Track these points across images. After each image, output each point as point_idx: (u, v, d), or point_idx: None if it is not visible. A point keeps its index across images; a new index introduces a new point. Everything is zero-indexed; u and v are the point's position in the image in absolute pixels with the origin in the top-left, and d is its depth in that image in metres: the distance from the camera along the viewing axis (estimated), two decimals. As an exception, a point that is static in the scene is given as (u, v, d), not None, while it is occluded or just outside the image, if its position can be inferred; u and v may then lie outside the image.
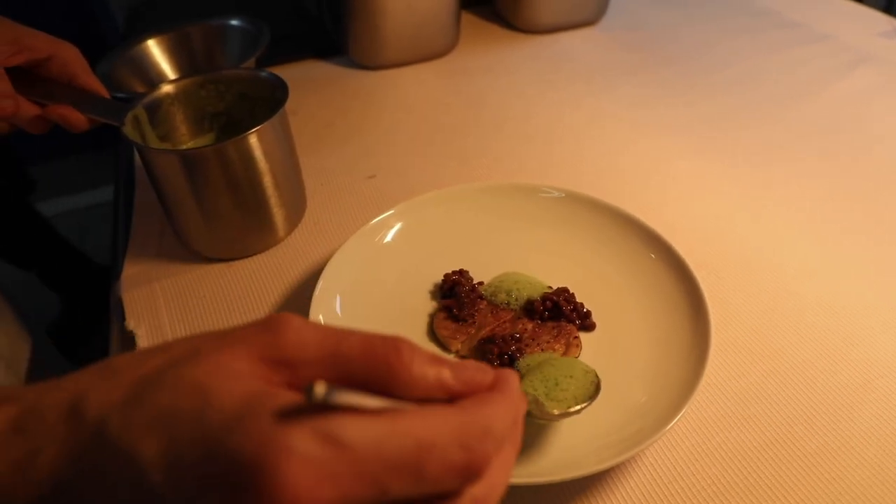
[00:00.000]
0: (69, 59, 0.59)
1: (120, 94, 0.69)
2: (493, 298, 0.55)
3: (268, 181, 0.60)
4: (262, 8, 0.99)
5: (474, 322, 0.53)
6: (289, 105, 0.60)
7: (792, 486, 0.45)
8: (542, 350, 0.50)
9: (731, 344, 0.54)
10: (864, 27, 1.05)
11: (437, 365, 0.24)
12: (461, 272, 0.56)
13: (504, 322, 0.53)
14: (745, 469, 0.46)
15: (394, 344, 0.23)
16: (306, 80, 0.95)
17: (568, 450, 0.44)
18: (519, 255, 0.59)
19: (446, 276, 0.56)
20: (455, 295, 0.55)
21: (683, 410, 0.43)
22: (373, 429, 0.20)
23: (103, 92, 0.61)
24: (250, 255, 0.64)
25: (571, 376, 0.46)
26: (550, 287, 0.55)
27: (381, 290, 0.56)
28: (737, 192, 0.71)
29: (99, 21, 1.25)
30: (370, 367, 0.23)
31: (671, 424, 0.42)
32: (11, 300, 0.69)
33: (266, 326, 0.23)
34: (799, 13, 1.10)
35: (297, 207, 0.67)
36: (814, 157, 0.77)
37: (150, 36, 0.83)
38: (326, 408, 0.20)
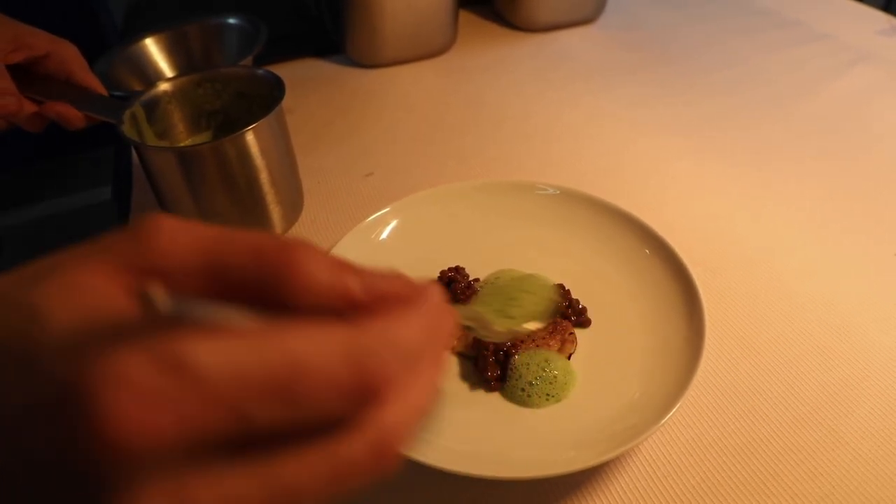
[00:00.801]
0: (67, 56, 0.59)
1: (118, 93, 0.69)
2: (488, 295, 0.55)
3: (264, 178, 0.60)
4: (261, 7, 0.99)
5: (470, 318, 0.53)
6: (286, 104, 0.60)
7: (787, 481, 0.45)
8: (538, 346, 0.50)
9: (727, 340, 0.54)
10: (863, 26, 1.05)
11: (339, 271, 0.20)
12: (457, 269, 0.56)
13: (500, 318, 0.53)
14: (739, 464, 0.46)
15: (288, 246, 0.20)
16: (304, 78, 0.95)
17: (563, 444, 0.44)
18: (515, 252, 0.59)
19: (442, 272, 0.56)
20: (451, 291, 0.55)
21: (678, 405, 0.43)
22: (231, 348, 0.17)
23: (101, 90, 0.61)
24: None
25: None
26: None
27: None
28: (735, 192, 0.71)
29: (98, 19, 1.25)
30: (259, 275, 0.19)
31: (666, 419, 0.42)
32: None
33: (134, 232, 0.19)
34: (798, 12, 1.10)
35: (293, 205, 0.67)
36: (812, 156, 0.77)
37: (148, 34, 0.83)
38: (178, 323, 0.17)
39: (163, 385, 0.16)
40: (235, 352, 0.17)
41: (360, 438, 0.19)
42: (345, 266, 0.21)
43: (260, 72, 0.64)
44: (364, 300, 0.20)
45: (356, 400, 0.18)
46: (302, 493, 0.18)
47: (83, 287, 0.18)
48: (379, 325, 0.19)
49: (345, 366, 0.18)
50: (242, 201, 0.61)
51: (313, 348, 0.17)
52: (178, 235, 0.19)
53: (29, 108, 0.58)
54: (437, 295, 0.22)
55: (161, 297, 0.18)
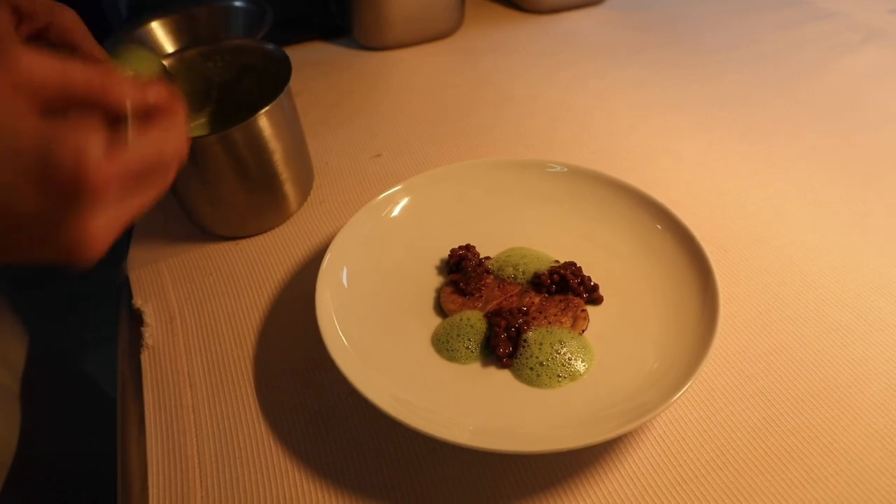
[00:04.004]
0: (68, 25, 0.58)
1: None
2: (500, 273, 0.55)
3: (277, 158, 0.60)
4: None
5: (481, 296, 0.53)
6: (294, 86, 0.60)
7: (799, 457, 0.44)
8: (550, 323, 0.50)
9: (738, 319, 0.54)
10: (875, 3, 1.04)
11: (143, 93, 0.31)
12: (468, 247, 0.56)
13: (511, 296, 0.53)
14: (753, 440, 0.46)
15: (106, 83, 0.30)
16: (311, 61, 0.95)
17: (574, 420, 0.44)
18: (526, 230, 0.59)
19: (453, 250, 0.56)
20: (462, 269, 0.54)
21: (691, 382, 0.42)
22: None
23: (106, 59, 0.60)
24: (257, 234, 0.64)
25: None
26: (557, 261, 0.55)
27: (389, 264, 0.56)
28: (745, 170, 0.71)
29: (101, 5, 1.25)
30: (88, 99, 0.29)
31: (678, 395, 0.42)
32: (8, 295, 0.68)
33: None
34: (807, -9, 1.09)
35: (305, 183, 0.67)
36: (822, 134, 0.76)
37: (154, 17, 0.83)
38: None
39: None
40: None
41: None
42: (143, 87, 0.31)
43: (264, 45, 0.64)
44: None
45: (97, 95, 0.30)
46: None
47: None
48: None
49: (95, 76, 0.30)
50: (253, 182, 0.60)
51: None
52: (35, 68, 0.28)
53: None
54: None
55: None
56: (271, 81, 0.60)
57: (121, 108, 0.30)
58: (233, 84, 0.66)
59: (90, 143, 0.28)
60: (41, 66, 0.28)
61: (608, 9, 1.06)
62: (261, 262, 0.61)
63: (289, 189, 0.63)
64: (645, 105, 0.82)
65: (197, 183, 0.59)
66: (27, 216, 0.28)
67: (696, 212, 0.64)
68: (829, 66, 0.89)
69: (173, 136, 0.33)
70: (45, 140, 0.27)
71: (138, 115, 0.31)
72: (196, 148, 0.56)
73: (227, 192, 0.59)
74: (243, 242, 0.64)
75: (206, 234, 0.65)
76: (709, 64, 0.91)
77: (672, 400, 0.42)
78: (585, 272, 0.53)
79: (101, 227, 0.29)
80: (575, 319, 0.51)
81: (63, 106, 0.29)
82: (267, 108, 0.56)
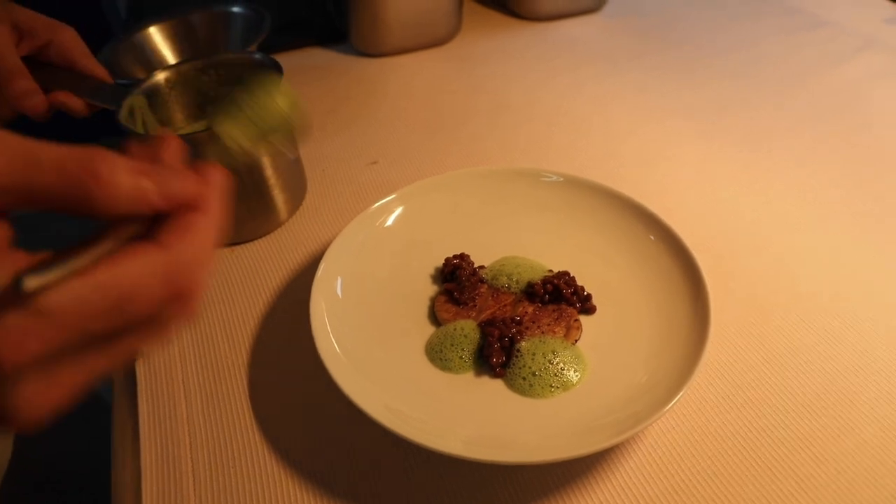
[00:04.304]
0: (68, 44, 0.59)
1: (123, 81, 0.69)
2: (493, 282, 0.55)
3: (266, 163, 0.60)
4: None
5: (475, 305, 0.53)
6: (290, 92, 0.60)
7: (790, 468, 0.45)
8: (543, 333, 0.50)
9: (731, 328, 0.54)
10: (870, 14, 1.05)
11: (138, 178, 0.23)
12: (462, 256, 0.57)
13: (505, 305, 0.53)
14: (744, 450, 0.46)
15: (89, 161, 0.22)
16: (308, 67, 0.95)
17: (567, 430, 0.44)
18: (520, 239, 0.59)
19: (447, 260, 0.56)
20: (456, 279, 0.55)
21: (682, 392, 0.43)
22: (71, 291, 0.22)
23: (105, 76, 0.61)
24: (250, 240, 0.65)
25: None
26: (551, 270, 0.55)
27: (383, 273, 0.56)
28: (740, 177, 0.71)
29: (101, 8, 1.25)
30: (65, 191, 0.22)
31: (670, 405, 0.42)
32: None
33: None
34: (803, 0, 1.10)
35: (297, 191, 0.67)
36: (817, 141, 0.76)
37: (152, 23, 0.83)
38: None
39: (28, 324, 0.21)
40: (75, 291, 0.22)
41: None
42: (141, 171, 0.24)
43: (257, 56, 0.64)
44: (163, 206, 0.24)
45: (174, 306, 0.25)
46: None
47: None
48: (182, 246, 0.24)
49: (165, 287, 0.24)
50: (244, 187, 0.60)
51: (137, 279, 0.23)
52: None
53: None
54: (217, 181, 0.27)
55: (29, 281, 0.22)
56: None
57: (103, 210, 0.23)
58: (228, 97, 0.66)
59: None
60: None
61: (605, 16, 1.07)
62: (256, 269, 0.62)
63: (282, 193, 0.64)
64: (642, 111, 0.83)
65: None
66: None
67: (692, 218, 0.64)
68: (826, 73, 0.89)
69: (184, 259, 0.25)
70: None
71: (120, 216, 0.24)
72: (188, 145, 0.57)
73: None
74: (237, 249, 0.64)
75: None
76: (706, 70, 0.91)
77: (664, 410, 0.42)
78: (579, 282, 0.54)
79: (36, 395, 0.23)
80: (568, 329, 0.51)
81: None
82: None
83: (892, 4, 1.08)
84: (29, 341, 0.22)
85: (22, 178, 0.22)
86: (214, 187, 0.27)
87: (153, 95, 0.62)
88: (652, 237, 0.56)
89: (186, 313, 0.26)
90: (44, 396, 0.23)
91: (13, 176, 0.22)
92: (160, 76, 0.63)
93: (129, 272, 0.23)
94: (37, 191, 0.22)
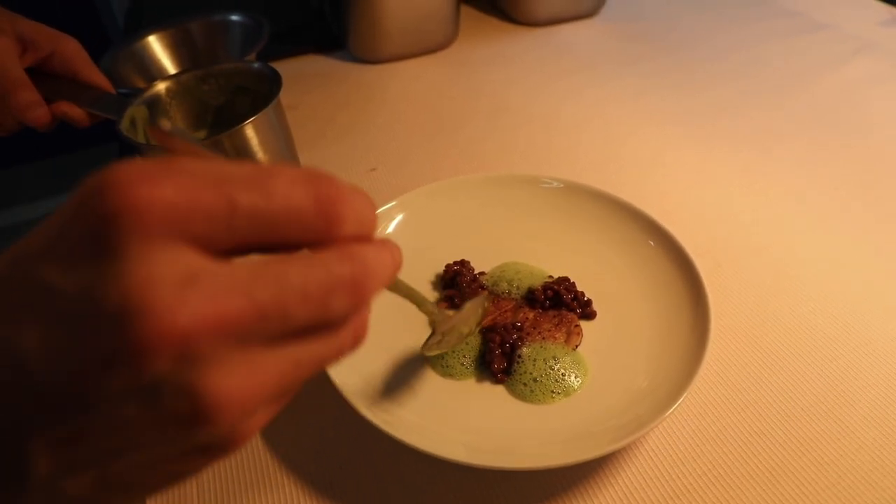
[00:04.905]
0: (70, 55, 0.60)
1: (123, 90, 0.69)
2: (494, 288, 0.55)
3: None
4: (264, 3, 0.99)
5: (476, 311, 0.53)
6: (289, 100, 0.61)
7: (790, 471, 0.45)
8: (544, 338, 0.51)
9: (731, 331, 0.55)
10: (866, 16, 1.05)
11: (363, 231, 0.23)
12: (462, 262, 0.57)
13: (505, 311, 0.53)
14: (745, 454, 0.46)
15: (332, 216, 0.21)
16: (307, 74, 0.95)
17: (569, 435, 0.44)
18: (520, 245, 0.59)
19: (448, 266, 0.57)
20: (456, 285, 0.55)
21: (683, 396, 0.43)
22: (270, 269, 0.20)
23: (107, 86, 0.61)
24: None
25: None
26: (551, 276, 0.56)
27: (383, 280, 0.57)
28: (738, 181, 0.71)
29: (101, 17, 1.26)
30: (297, 241, 0.21)
31: (671, 410, 0.42)
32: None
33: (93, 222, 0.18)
34: (800, 3, 1.10)
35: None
36: (814, 145, 0.77)
37: (151, 32, 0.83)
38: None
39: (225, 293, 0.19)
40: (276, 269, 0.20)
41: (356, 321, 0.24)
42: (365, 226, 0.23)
43: (255, 66, 0.64)
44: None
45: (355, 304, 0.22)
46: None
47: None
48: (366, 252, 0.23)
49: (347, 287, 0.21)
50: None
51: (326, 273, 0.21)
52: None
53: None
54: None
55: None
56: (265, 101, 0.61)
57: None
58: (228, 107, 0.66)
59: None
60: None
61: (603, 20, 1.07)
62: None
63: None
64: (640, 115, 0.83)
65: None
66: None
67: (691, 223, 0.65)
68: (823, 77, 0.90)
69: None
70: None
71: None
72: None
73: None
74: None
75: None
76: (704, 74, 0.92)
77: (665, 415, 0.42)
78: (579, 287, 0.54)
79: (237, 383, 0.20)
80: (569, 335, 0.51)
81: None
82: (254, 118, 0.56)
83: (887, 7, 1.09)
84: (226, 307, 0.19)
85: (258, 233, 0.20)
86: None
87: (154, 105, 0.62)
88: (651, 242, 0.56)
89: (360, 328, 0.24)
90: (247, 386, 0.20)
91: (252, 232, 0.20)
92: (160, 86, 0.63)
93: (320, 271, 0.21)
94: (269, 240, 0.21)
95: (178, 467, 0.21)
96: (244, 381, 0.19)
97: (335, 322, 0.22)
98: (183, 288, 0.18)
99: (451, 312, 0.46)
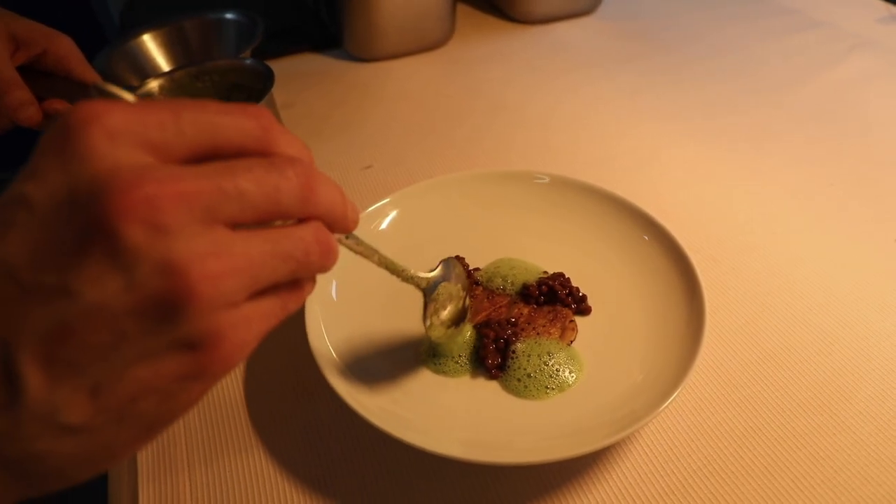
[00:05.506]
0: (63, 53, 0.59)
1: (116, 88, 0.69)
2: (488, 284, 0.55)
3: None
4: (259, 1, 0.99)
5: (471, 307, 0.53)
6: (285, 98, 0.60)
7: (786, 466, 0.45)
8: (539, 334, 0.50)
9: (726, 328, 0.54)
10: (863, 14, 1.05)
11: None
12: (457, 258, 0.57)
13: (500, 307, 0.53)
14: (740, 449, 0.46)
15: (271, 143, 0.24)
16: (302, 72, 0.95)
17: (564, 430, 0.44)
18: (515, 241, 0.59)
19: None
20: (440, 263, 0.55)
21: (678, 391, 0.43)
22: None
23: (100, 83, 0.61)
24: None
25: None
26: (546, 272, 0.56)
27: (378, 276, 0.56)
28: (733, 178, 0.71)
29: (95, 15, 1.25)
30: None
31: (666, 404, 0.42)
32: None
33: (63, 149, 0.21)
34: (797, 0, 1.10)
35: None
36: (810, 142, 0.77)
37: (146, 30, 0.83)
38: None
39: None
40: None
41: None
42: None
43: (249, 62, 0.64)
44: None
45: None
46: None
47: None
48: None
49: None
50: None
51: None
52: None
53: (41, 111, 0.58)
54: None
55: None
56: (259, 98, 0.61)
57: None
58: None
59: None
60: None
61: (599, 18, 1.07)
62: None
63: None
64: (636, 113, 0.83)
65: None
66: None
67: (686, 220, 0.65)
68: (819, 74, 0.89)
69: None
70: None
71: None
72: None
73: None
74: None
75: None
76: (700, 72, 0.92)
77: (659, 409, 0.42)
78: (574, 283, 0.54)
79: (237, 324, 0.23)
80: (563, 330, 0.51)
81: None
82: None
83: (883, 4, 1.08)
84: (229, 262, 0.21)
85: (210, 149, 0.23)
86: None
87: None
88: (646, 237, 0.56)
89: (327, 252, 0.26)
90: (244, 327, 0.23)
91: (203, 146, 0.23)
92: (154, 83, 0.63)
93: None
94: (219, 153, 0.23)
95: (166, 377, 0.22)
96: (213, 255, 0.21)
97: (289, 214, 0.24)
98: (145, 171, 0.20)
99: (428, 273, 0.46)
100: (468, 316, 0.47)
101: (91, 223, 0.19)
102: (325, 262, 0.26)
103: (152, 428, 0.24)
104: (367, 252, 0.37)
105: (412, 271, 0.43)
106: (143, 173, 0.20)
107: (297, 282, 0.26)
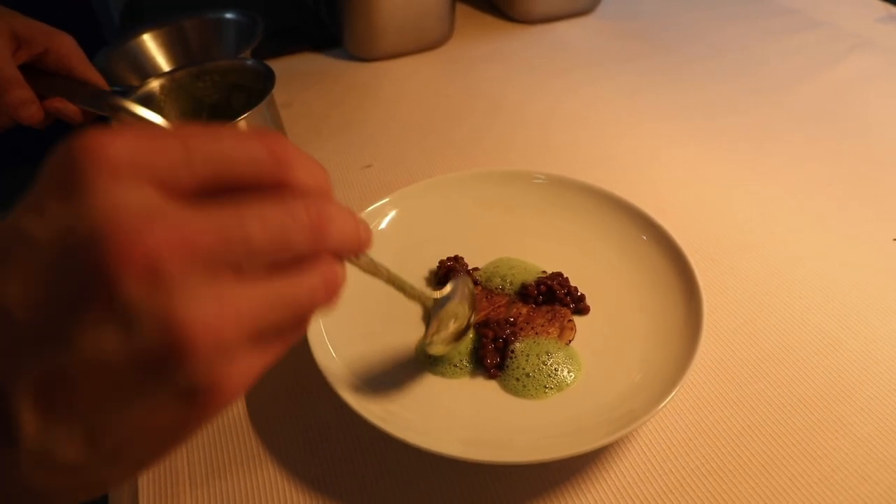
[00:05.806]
0: (64, 52, 0.59)
1: (118, 87, 0.69)
2: (487, 283, 0.55)
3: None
4: (258, 1, 0.99)
5: (469, 307, 0.53)
6: (284, 97, 0.60)
7: (783, 465, 0.45)
8: (537, 334, 0.51)
9: (725, 327, 0.54)
10: (862, 14, 1.05)
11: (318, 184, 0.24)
12: (456, 258, 0.57)
13: (499, 307, 0.53)
14: (739, 447, 0.46)
15: (282, 165, 0.23)
16: (302, 72, 0.95)
17: (563, 429, 0.44)
18: (513, 241, 0.59)
19: (441, 262, 0.57)
20: (450, 280, 0.55)
21: (676, 390, 0.43)
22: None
23: (102, 83, 0.61)
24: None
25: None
26: (545, 272, 0.56)
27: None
28: (733, 178, 0.71)
29: (96, 15, 1.26)
30: (253, 183, 0.23)
31: (664, 403, 0.42)
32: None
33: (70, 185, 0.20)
34: (796, 0, 1.10)
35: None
36: (810, 142, 0.77)
37: (146, 30, 0.83)
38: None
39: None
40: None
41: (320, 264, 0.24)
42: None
43: (249, 62, 0.64)
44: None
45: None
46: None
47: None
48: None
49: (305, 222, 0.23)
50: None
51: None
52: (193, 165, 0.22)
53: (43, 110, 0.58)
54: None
55: None
56: (260, 98, 0.61)
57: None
58: (223, 104, 0.66)
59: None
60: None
61: (598, 18, 1.07)
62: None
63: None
64: (636, 113, 0.83)
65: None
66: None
67: (686, 219, 0.65)
68: (819, 74, 0.90)
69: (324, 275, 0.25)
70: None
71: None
72: None
73: None
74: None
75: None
76: (699, 71, 0.92)
77: (658, 408, 0.42)
78: (572, 283, 0.54)
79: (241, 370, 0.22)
80: (562, 330, 0.51)
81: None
82: (246, 114, 0.56)
83: (883, 4, 1.09)
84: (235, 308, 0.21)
85: (219, 178, 0.22)
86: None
87: (148, 102, 0.62)
88: (645, 237, 0.56)
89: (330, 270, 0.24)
90: (245, 372, 0.22)
91: (212, 174, 0.22)
92: (154, 83, 0.63)
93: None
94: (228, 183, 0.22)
95: (163, 422, 0.21)
96: (215, 308, 0.20)
97: (299, 257, 0.23)
98: (148, 216, 0.19)
99: (436, 293, 0.46)
100: (470, 331, 0.47)
101: (90, 273, 0.19)
102: (331, 301, 0.25)
103: (146, 463, 0.24)
104: (375, 270, 0.37)
105: (419, 290, 0.42)
106: (145, 220, 0.19)
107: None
